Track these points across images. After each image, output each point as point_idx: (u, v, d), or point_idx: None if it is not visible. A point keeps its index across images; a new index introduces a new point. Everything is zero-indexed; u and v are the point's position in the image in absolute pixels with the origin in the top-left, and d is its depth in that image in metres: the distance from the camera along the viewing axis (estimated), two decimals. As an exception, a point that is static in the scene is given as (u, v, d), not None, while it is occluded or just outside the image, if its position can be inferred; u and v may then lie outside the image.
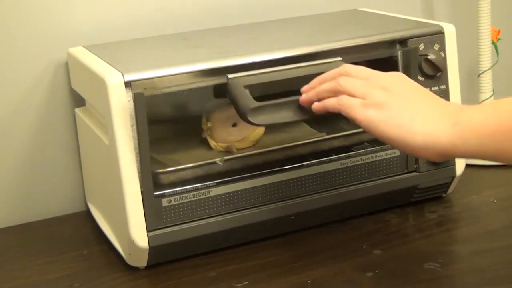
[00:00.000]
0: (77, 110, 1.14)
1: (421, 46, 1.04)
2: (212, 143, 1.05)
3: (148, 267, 0.97)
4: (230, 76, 0.95)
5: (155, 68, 0.94)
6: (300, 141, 1.03)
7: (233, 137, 1.05)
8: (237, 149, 1.04)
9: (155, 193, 0.94)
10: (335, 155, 1.03)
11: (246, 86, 0.93)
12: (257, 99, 0.91)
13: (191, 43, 1.09)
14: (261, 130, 1.07)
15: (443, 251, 0.96)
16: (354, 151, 1.05)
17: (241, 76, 0.95)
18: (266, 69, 0.97)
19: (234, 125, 1.05)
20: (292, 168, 1.01)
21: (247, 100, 0.91)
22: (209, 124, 1.05)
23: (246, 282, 0.92)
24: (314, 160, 1.02)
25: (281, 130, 1.10)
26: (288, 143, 1.02)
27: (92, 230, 1.10)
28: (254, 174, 0.99)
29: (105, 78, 0.91)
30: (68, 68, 1.14)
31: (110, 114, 0.91)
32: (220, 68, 0.95)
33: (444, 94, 1.06)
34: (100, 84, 0.93)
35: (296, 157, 1.02)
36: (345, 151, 1.04)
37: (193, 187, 0.96)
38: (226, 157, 0.99)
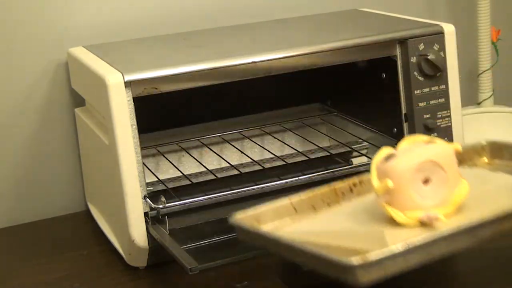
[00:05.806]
0: (77, 110, 1.14)
1: (421, 46, 1.04)
2: (396, 214, 0.73)
3: (148, 267, 0.97)
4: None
5: (155, 68, 0.94)
6: None
7: (427, 201, 0.74)
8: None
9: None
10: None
11: None
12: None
13: (191, 43, 1.09)
14: (466, 187, 0.77)
15: (443, 251, 0.96)
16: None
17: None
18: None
19: (426, 181, 0.74)
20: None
21: None
22: (391, 184, 0.72)
23: (246, 282, 0.92)
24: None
25: None
26: None
27: (92, 230, 1.10)
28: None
29: (105, 78, 0.91)
30: (68, 68, 1.14)
31: (110, 114, 0.91)
32: (220, 68, 0.95)
33: (444, 94, 1.06)
34: (100, 84, 0.93)
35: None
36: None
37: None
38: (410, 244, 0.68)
